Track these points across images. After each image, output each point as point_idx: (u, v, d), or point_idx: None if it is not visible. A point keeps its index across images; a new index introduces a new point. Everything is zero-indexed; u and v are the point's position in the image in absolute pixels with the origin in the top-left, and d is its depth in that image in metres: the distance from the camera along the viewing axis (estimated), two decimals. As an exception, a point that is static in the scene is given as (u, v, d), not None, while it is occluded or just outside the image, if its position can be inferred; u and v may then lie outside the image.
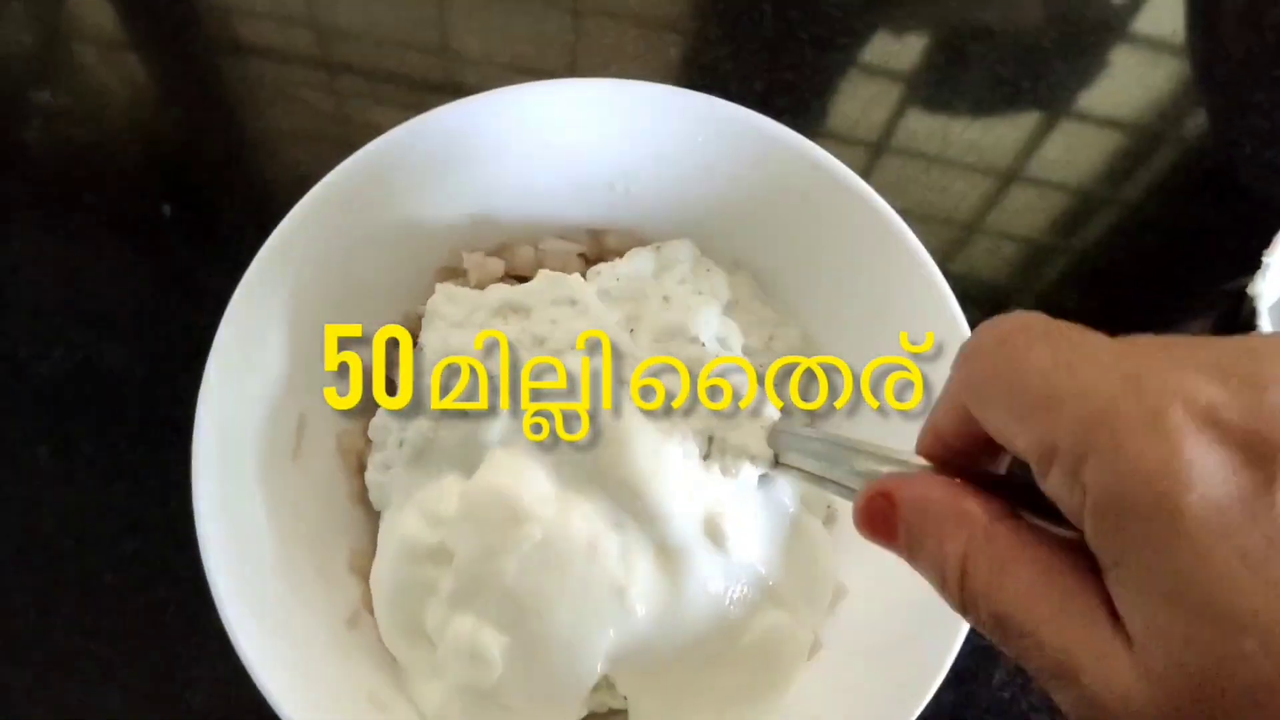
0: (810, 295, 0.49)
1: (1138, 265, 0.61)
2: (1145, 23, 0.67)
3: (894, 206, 0.46)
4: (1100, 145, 0.63)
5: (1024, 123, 0.63)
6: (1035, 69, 0.64)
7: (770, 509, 0.45)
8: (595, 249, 0.50)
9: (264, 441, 0.43)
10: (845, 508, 0.43)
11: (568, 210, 0.49)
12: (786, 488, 0.45)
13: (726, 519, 0.42)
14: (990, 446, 0.26)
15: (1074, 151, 0.63)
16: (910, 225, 0.45)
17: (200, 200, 0.57)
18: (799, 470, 0.39)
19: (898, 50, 0.65)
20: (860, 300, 0.47)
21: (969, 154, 0.62)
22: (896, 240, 0.45)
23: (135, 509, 0.50)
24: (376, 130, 0.44)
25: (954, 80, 0.64)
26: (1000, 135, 0.63)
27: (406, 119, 0.44)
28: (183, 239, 0.55)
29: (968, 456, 0.27)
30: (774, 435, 0.41)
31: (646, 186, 0.49)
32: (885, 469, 0.30)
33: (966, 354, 0.26)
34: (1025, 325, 0.24)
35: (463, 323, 0.44)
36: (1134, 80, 0.65)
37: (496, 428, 0.42)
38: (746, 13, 0.64)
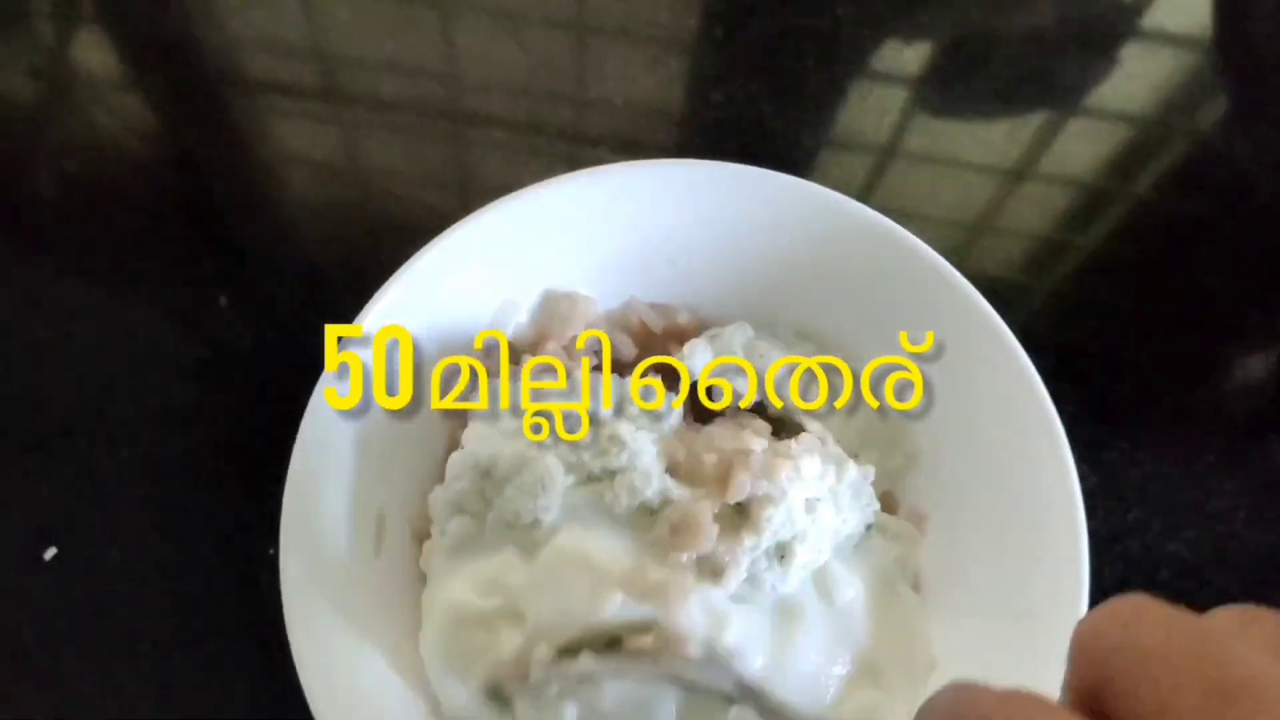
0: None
1: (1149, 260, 0.61)
2: (1156, 18, 0.68)
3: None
4: (1111, 141, 0.64)
5: (1034, 121, 0.64)
6: (1047, 69, 0.65)
7: (868, 568, 0.44)
8: (662, 326, 0.49)
9: (349, 547, 0.43)
10: (932, 572, 0.44)
11: (628, 288, 0.49)
12: (882, 545, 0.44)
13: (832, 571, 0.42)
14: None
15: (1085, 149, 0.63)
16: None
17: (256, 289, 0.57)
18: None
19: (908, 56, 0.66)
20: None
21: (979, 155, 0.63)
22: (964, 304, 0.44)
23: (213, 611, 0.50)
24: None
25: (964, 84, 0.65)
26: (1011, 135, 0.63)
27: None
28: (241, 330, 0.56)
29: None
30: None
31: (705, 260, 0.49)
32: None
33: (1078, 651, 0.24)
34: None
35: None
36: (1145, 76, 0.66)
37: (554, 506, 0.41)
38: (748, 14, 0.65)
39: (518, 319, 0.48)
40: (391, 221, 0.59)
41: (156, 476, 0.52)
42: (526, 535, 0.41)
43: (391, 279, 0.43)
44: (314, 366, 0.42)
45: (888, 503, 0.47)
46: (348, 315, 0.42)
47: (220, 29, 0.64)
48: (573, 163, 0.60)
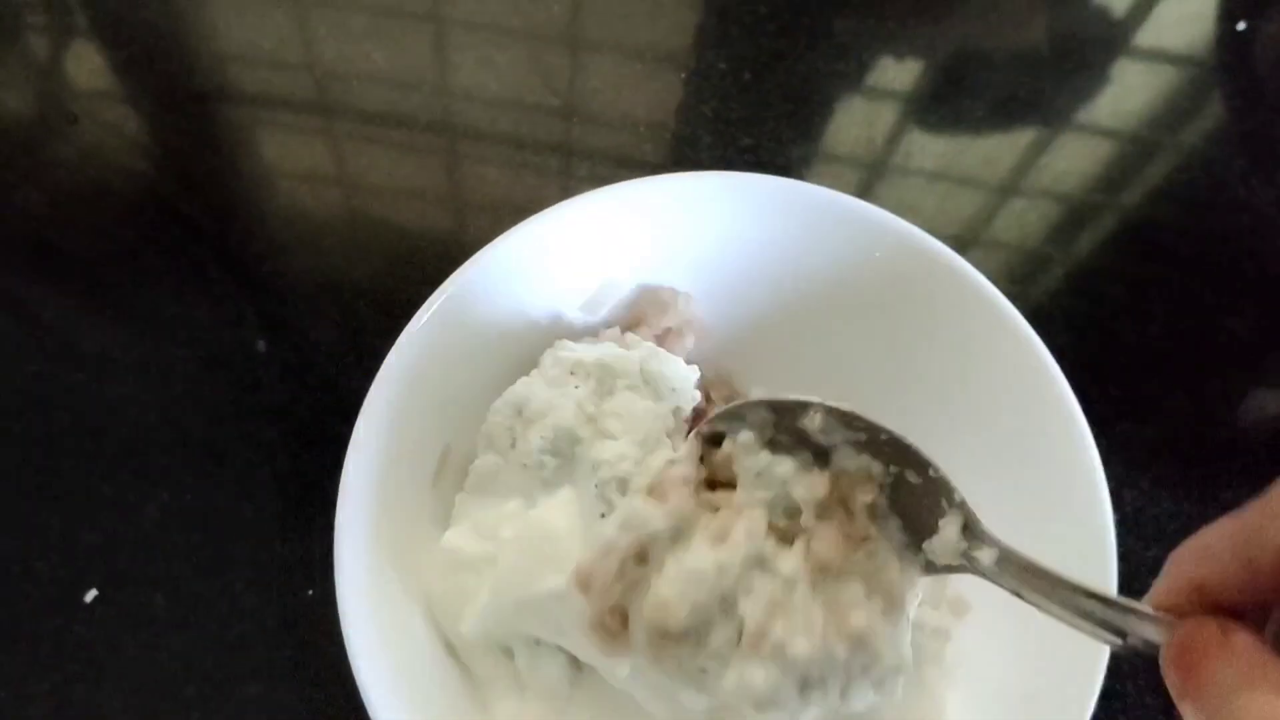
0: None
1: (1136, 269, 0.62)
2: (1147, 36, 0.70)
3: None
4: (1099, 157, 0.66)
5: (1025, 137, 0.66)
6: (1038, 86, 0.67)
7: None
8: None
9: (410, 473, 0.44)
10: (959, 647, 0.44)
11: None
12: (917, 642, 0.43)
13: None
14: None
15: (1073, 164, 0.65)
16: None
17: (295, 335, 0.57)
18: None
19: (899, 72, 0.68)
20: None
21: (970, 170, 0.64)
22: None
23: (255, 654, 0.50)
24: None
25: (955, 100, 0.66)
26: (1000, 150, 0.65)
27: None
28: (279, 373, 0.56)
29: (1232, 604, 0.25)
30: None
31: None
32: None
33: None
34: None
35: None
36: (1135, 93, 0.68)
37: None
38: (746, 37, 0.67)
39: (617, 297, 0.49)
40: (388, 240, 0.60)
41: (196, 519, 0.52)
42: (535, 485, 0.42)
43: (427, 309, 0.44)
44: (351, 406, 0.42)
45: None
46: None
47: (213, 43, 0.65)
48: (566, 176, 0.63)
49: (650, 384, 0.42)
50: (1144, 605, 0.27)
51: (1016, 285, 0.61)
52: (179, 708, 0.49)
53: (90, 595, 0.50)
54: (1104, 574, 0.40)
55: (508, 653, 0.44)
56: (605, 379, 0.42)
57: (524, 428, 0.42)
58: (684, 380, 0.43)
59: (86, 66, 0.64)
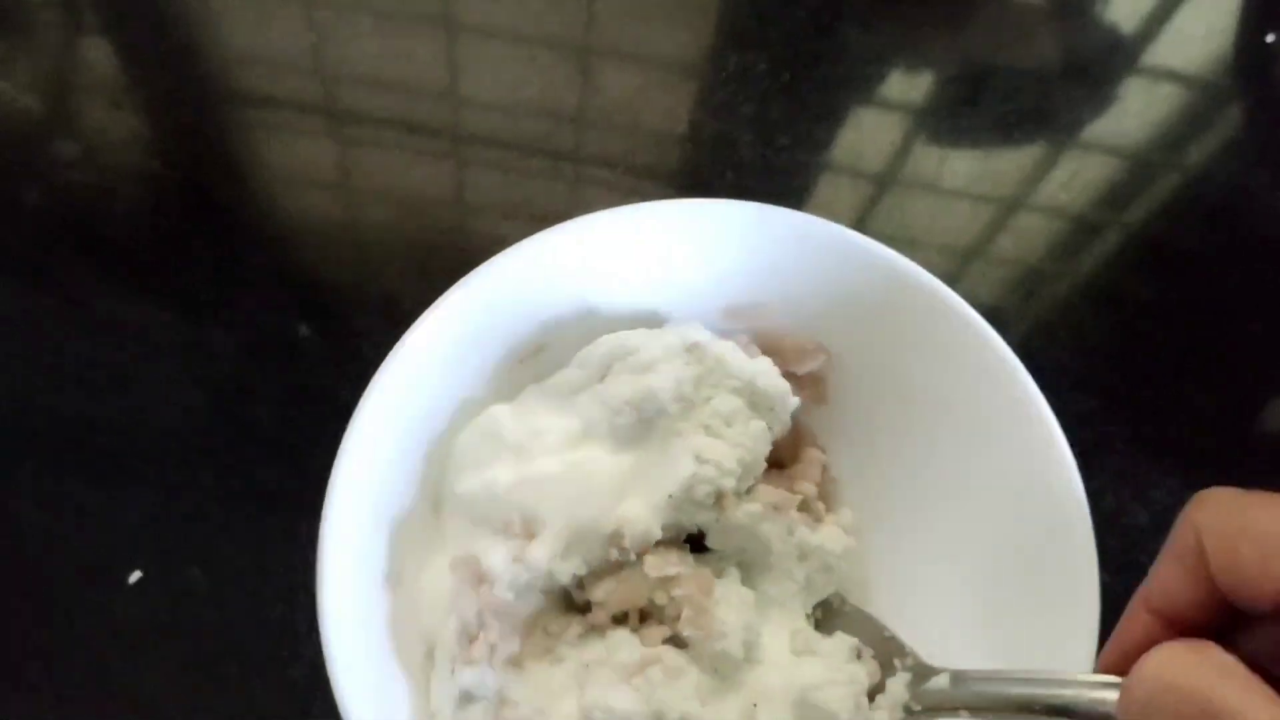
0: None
1: (1144, 288, 0.63)
2: (1155, 55, 0.72)
3: (897, 235, 0.46)
4: (1107, 174, 0.66)
5: (1032, 153, 0.67)
6: (1046, 102, 0.68)
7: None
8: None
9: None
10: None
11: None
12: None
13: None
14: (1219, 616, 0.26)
15: (1081, 180, 0.66)
16: (913, 253, 0.45)
17: (337, 321, 0.58)
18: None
19: (910, 86, 0.69)
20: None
21: (975, 184, 0.65)
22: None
23: (298, 634, 0.50)
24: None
25: (964, 115, 0.67)
26: (1008, 166, 0.66)
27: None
28: (320, 358, 0.57)
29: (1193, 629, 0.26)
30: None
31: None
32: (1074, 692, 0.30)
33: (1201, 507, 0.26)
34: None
35: None
36: (1143, 112, 0.69)
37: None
38: (756, 47, 0.67)
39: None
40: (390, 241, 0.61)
41: (239, 500, 0.53)
42: (602, 426, 0.43)
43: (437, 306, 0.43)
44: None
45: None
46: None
47: (225, 44, 0.66)
48: (576, 182, 0.63)
49: (755, 399, 0.43)
50: (1094, 676, 0.29)
51: (1023, 299, 0.63)
52: (220, 687, 0.49)
53: (135, 576, 0.51)
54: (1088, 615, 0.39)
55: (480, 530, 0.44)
56: (716, 372, 0.42)
57: (621, 369, 0.43)
58: (784, 405, 0.44)
59: (97, 64, 0.65)
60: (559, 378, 0.45)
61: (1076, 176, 0.66)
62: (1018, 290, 0.63)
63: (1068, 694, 0.30)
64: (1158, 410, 0.56)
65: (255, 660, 0.50)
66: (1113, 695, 0.27)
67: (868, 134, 0.67)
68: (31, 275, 0.58)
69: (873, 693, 0.41)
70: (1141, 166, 0.68)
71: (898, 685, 0.41)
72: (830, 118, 0.67)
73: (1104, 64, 0.71)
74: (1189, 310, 0.63)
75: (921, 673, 0.40)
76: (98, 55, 0.65)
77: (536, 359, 0.46)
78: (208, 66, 0.65)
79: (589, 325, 0.46)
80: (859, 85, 0.68)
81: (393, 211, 0.62)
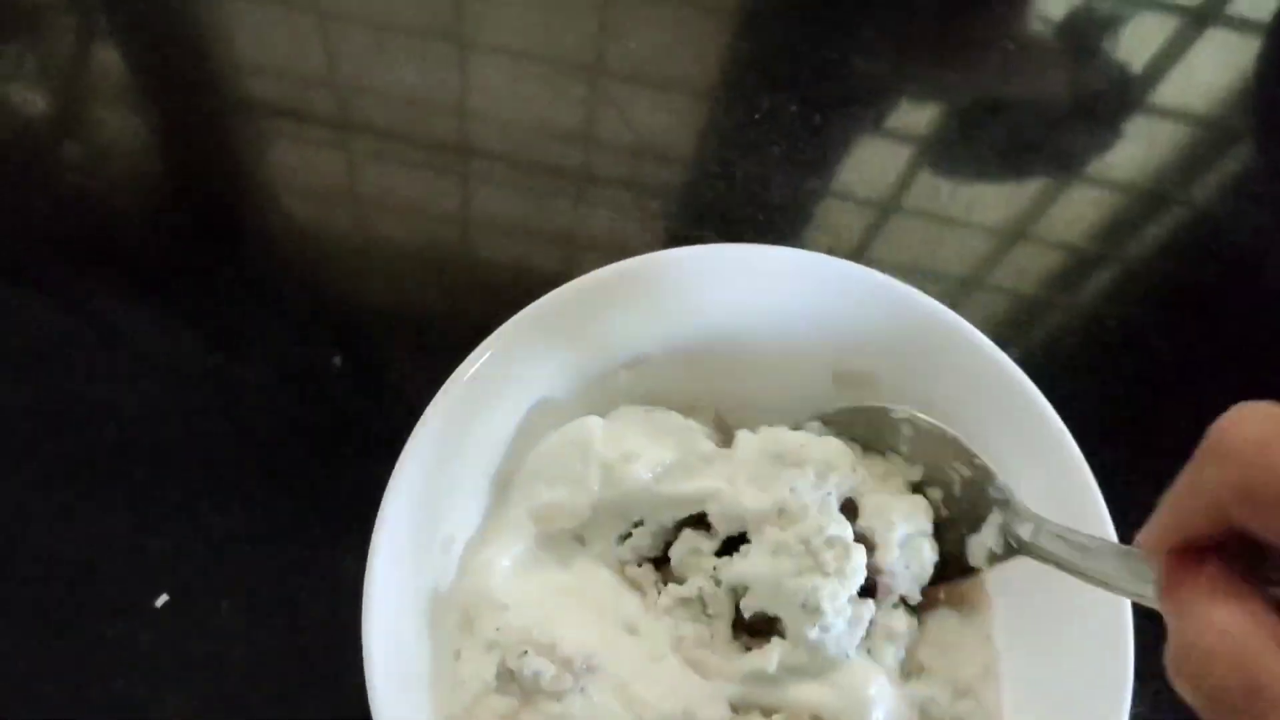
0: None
1: (1143, 322, 0.64)
2: (1163, 93, 0.72)
3: (900, 263, 0.49)
4: (1110, 210, 0.67)
5: (1035, 186, 0.67)
6: (1051, 136, 0.69)
7: None
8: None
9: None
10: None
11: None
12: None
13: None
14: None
15: (1083, 216, 0.66)
16: (914, 280, 0.46)
17: (370, 352, 0.59)
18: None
19: (916, 116, 0.69)
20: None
21: (976, 215, 0.65)
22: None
23: (319, 666, 0.50)
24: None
25: (969, 147, 0.68)
26: (1010, 199, 0.66)
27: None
28: (350, 387, 0.57)
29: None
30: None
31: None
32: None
33: (1222, 454, 0.25)
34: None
35: None
36: (1148, 149, 0.69)
37: None
38: (767, 78, 0.68)
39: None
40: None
41: (265, 530, 0.53)
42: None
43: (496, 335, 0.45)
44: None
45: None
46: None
47: (237, 54, 0.66)
48: (580, 200, 0.64)
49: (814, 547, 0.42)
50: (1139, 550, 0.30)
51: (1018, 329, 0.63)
52: (242, 717, 0.49)
53: (161, 600, 0.51)
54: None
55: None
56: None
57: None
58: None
59: (108, 70, 0.65)
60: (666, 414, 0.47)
61: (1079, 210, 0.67)
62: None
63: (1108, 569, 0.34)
64: (1152, 445, 0.56)
65: (279, 691, 0.50)
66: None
67: (874, 161, 0.67)
68: (49, 292, 0.58)
69: (968, 531, 0.43)
70: (1145, 203, 0.68)
71: (991, 529, 0.42)
72: (836, 144, 0.68)
73: (1112, 101, 0.72)
74: (1187, 347, 0.63)
75: (1010, 517, 0.41)
76: (110, 59, 0.65)
77: (634, 370, 0.48)
78: (218, 74, 0.66)
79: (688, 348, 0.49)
80: (869, 115, 0.69)
81: (413, 231, 0.62)
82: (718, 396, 0.50)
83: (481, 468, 0.47)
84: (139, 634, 0.50)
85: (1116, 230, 0.66)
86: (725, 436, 0.48)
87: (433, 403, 0.44)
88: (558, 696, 0.41)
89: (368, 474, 0.53)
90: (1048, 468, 0.44)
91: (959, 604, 0.47)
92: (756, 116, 0.67)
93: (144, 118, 0.64)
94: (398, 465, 0.43)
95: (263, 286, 0.59)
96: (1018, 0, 0.76)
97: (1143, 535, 0.29)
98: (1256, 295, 0.66)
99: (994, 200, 0.67)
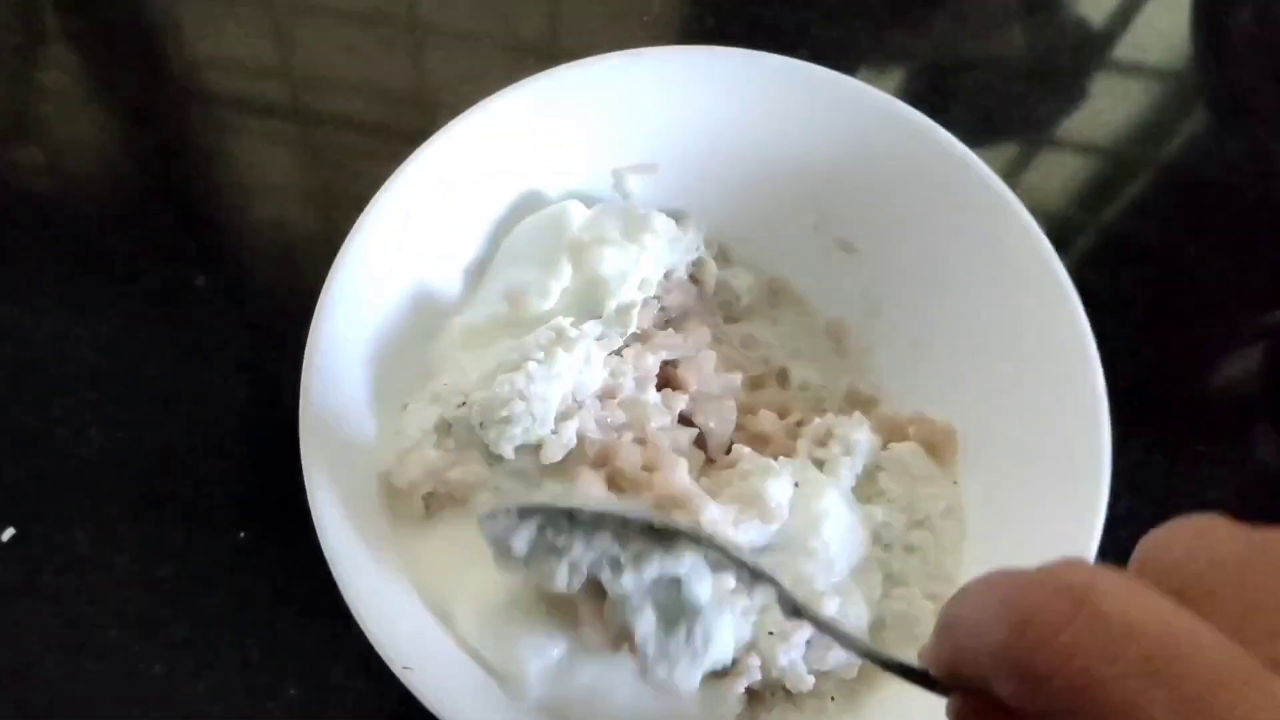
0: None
1: (1123, 288, 0.61)
2: (1125, 49, 0.69)
3: None
4: (1080, 171, 0.65)
5: (1005, 152, 0.65)
6: (1017, 100, 0.66)
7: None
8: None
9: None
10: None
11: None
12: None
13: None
14: None
15: (1053, 178, 0.64)
16: None
17: (231, 269, 0.56)
18: None
19: (879, 83, 0.66)
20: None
21: None
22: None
23: (182, 595, 0.47)
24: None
25: (934, 111, 0.65)
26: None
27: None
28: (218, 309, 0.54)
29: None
30: None
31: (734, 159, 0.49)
32: None
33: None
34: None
35: None
36: (1115, 107, 0.67)
37: None
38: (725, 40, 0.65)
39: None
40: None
41: (125, 456, 0.50)
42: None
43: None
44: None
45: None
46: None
47: (188, 46, 0.64)
48: None
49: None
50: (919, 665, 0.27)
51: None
52: (102, 650, 0.46)
53: (8, 534, 0.48)
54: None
55: None
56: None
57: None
58: None
59: (57, 67, 0.63)
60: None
61: (1051, 175, 0.64)
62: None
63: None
64: (1125, 362, 0.55)
65: (140, 623, 0.47)
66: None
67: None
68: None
69: None
70: (1115, 162, 0.65)
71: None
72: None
73: (1074, 59, 0.69)
74: (1162, 306, 0.61)
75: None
76: (58, 60, 0.63)
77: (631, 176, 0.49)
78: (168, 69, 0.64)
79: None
80: None
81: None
82: (709, 207, 0.50)
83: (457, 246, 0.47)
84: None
85: (1089, 192, 0.64)
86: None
87: (405, 162, 0.44)
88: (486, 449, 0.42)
89: (234, 399, 0.51)
90: (1037, 295, 0.44)
91: (929, 447, 0.47)
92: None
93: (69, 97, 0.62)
94: (364, 212, 0.42)
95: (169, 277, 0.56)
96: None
97: (926, 650, 0.26)
98: (1221, 245, 0.63)
99: None
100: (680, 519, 0.38)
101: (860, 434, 0.45)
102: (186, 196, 0.58)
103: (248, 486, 0.49)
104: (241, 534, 0.48)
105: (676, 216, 0.49)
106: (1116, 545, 0.45)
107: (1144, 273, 0.61)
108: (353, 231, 0.42)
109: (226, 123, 0.61)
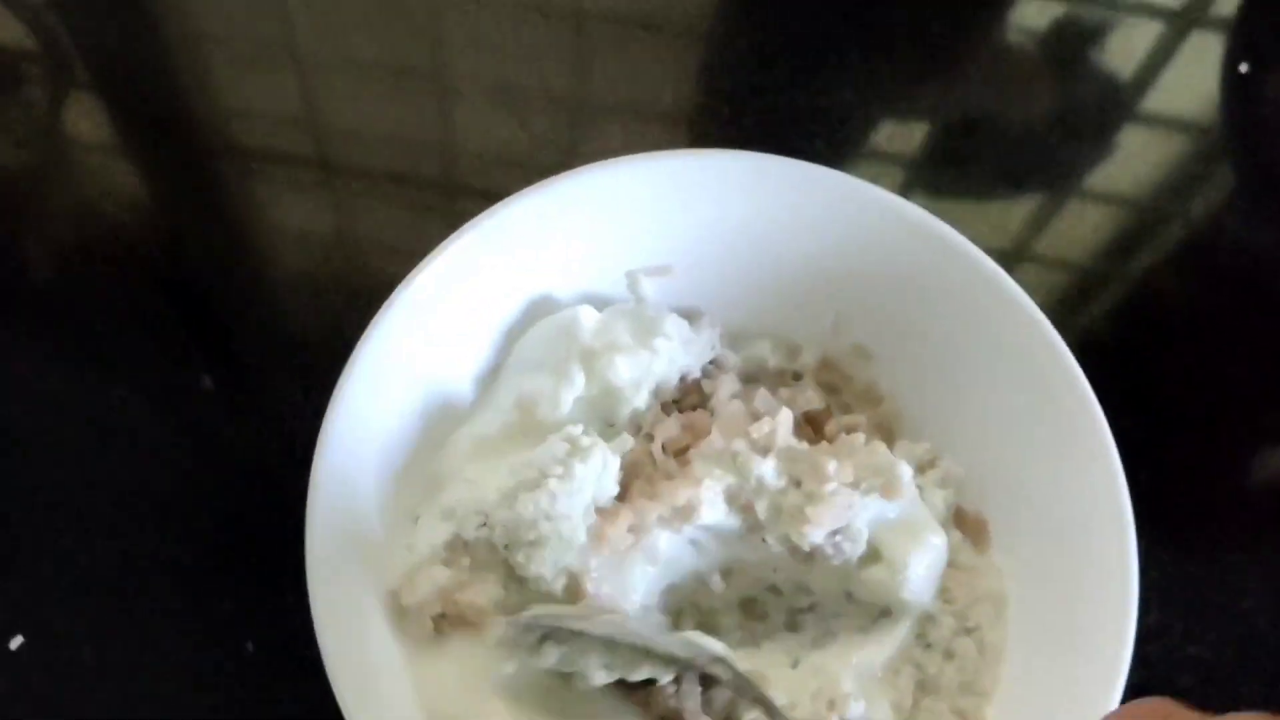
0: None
1: (1151, 344, 0.61)
2: (1153, 103, 0.68)
3: None
4: (1105, 224, 0.64)
5: (1030, 203, 0.64)
6: (1043, 152, 0.65)
7: None
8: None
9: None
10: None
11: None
12: None
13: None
14: None
15: (1078, 231, 0.63)
16: None
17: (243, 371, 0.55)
18: None
19: (906, 138, 0.66)
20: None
21: (975, 235, 0.62)
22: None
23: (187, 711, 0.46)
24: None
25: (961, 164, 0.65)
26: (1006, 216, 0.63)
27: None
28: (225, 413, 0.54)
29: None
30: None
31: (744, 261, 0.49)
32: None
33: None
34: None
35: None
36: (1142, 160, 0.66)
37: None
38: (754, 93, 0.65)
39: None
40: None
41: (129, 567, 0.49)
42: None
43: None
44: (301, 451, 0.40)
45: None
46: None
47: (214, 99, 0.63)
48: None
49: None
50: None
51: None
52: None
53: (16, 642, 0.47)
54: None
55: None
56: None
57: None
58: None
59: (85, 119, 0.63)
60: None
61: (1073, 226, 0.63)
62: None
63: None
64: (1152, 463, 0.53)
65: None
66: None
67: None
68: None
69: None
70: (1141, 216, 0.64)
71: None
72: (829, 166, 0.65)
73: (1101, 112, 0.68)
74: (1150, 357, 0.60)
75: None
76: (86, 108, 0.63)
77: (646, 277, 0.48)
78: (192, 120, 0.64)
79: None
80: (857, 135, 0.66)
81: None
82: (723, 308, 0.49)
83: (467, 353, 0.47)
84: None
85: (1115, 246, 0.63)
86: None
87: (417, 268, 0.43)
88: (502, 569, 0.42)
89: (239, 508, 0.51)
90: (1056, 402, 0.44)
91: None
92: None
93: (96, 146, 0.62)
94: (373, 321, 0.42)
95: (133, 303, 0.56)
96: (998, 12, 0.72)
97: None
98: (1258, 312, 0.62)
99: (991, 219, 0.63)
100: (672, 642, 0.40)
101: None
102: (197, 288, 0.58)
103: (256, 597, 0.48)
104: (250, 646, 0.47)
105: (690, 316, 0.48)
106: (1146, 661, 0.44)
107: (1168, 351, 0.60)
108: (361, 341, 0.42)
109: (252, 174, 0.61)
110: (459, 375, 0.46)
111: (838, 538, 0.41)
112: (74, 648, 0.47)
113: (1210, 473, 0.56)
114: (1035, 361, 0.44)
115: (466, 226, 0.44)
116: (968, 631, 0.44)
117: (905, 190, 0.64)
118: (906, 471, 0.42)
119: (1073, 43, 0.70)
